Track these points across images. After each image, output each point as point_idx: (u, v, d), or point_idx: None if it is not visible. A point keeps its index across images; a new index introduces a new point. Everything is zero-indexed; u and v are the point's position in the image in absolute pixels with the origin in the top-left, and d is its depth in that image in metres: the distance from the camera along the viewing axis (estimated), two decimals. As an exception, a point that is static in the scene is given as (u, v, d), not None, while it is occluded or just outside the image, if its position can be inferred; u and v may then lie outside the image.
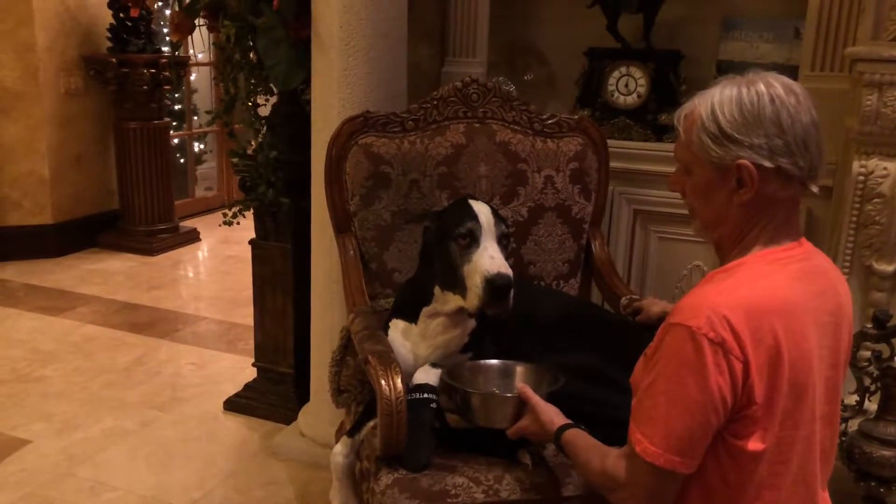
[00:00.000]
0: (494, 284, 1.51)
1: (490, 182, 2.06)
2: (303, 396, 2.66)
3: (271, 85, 2.57)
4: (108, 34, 4.70)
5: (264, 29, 2.32)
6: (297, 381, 2.76)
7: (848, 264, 2.07)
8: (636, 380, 1.25)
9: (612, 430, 1.32)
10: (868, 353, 1.90)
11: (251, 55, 2.54)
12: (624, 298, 1.99)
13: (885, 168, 1.99)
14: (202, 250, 5.12)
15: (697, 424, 1.15)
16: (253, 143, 2.74)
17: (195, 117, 6.03)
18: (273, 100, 2.70)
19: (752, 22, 2.49)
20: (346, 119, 2.02)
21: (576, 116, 2.19)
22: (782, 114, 1.17)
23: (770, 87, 1.18)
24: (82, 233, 4.83)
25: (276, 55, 2.32)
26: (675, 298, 2.33)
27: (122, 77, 4.66)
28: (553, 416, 1.42)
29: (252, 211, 2.76)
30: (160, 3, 5.23)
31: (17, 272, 4.38)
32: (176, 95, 5.65)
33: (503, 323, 1.67)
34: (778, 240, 1.23)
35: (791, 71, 2.27)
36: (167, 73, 4.80)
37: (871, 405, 1.93)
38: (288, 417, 2.71)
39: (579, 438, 1.35)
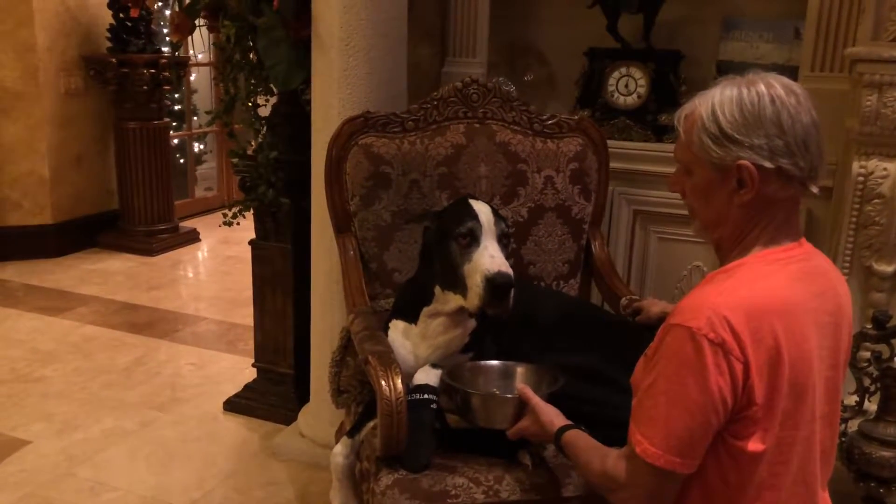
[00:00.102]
0: (495, 283, 1.51)
1: (490, 182, 2.06)
2: (303, 397, 2.66)
3: (271, 85, 2.57)
4: (108, 34, 4.70)
5: (264, 29, 2.32)
6: (296, 381, 2.76)
7: (848, 265, 2.07)
8: (636, 380, 1.25)
9: (612, 431, 1.32)
10: (868, 354, 1.90)
11: (251, 55, 2.54)
12: (624, 299, 1.99)
13: (884, 169, 1.99)
14: (202, 250, 5.12)
15: (698, 425, 1.15)
16: (253, 143, 2.74)
17: (195, 117, 6.03)
18: (273, 100, 2.70)
19: (752, 22, 2.49)
20: (347, 119, 2.02)
21: (576, 117, 2.19)
22: (783, 114, 1.17)
23: (770, 88, 1.18)
24: (82, 233, 4.83)
25: (276, 55, 2.32)
26: (674, 299, 2.33)
27: (122, 77, 4.66)
28: (553, 416, 1.42)
29: (252, 211, 2.76)
30: (160, 4, 5.24)
31: (16, 272, 4.38)
32: (176, 96, 5.65)
33: (503, 323, 1.67)
34: (778, 240, 1.23)
35: (791, 71, 2.27)
36: (167, 74, 4.80)
37: (871, 406, 1.93)
38: (288, 418, 2.71)
39: (579, 439, 1.35)
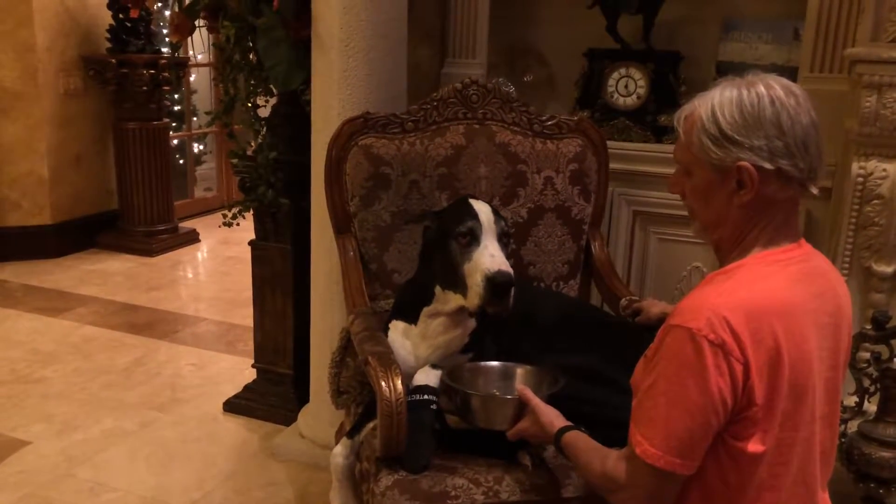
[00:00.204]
0: (495, 282, 1.51)
1: (490, 183, 2.06)
2: (302, 397, 2.66)
3: (271, 86, 2.57)
4: (108, 35, 4.70)
5: (264, 30, 2.32)
6: (296, 382, 2.76)
7: (847, 265, 2.07)
8: (636, 381, 1.25)
9: (612, 432, 1.33)
10: (867, 355, 1.90)
11: (251, 56, 2.54)
12: (624, 299, 1.99)
13: (884, 169, 2.00)
14: (201, 251, 5.12)
15: (698, 426, 1.15)
16: (253, 143, 2.74)
17: (194, 118, 6.03)
18: (273, 101, 2.70)
19: (752, 23, 2.49)
20: (346, 120, 2.02)
21: (575, 118, 2.19)
22: (782, 115, 1.17)
23: (770, 89, 1.19)
24: (81, 233, 4.83)
25: (275, 56, 2.32)
26: (674, 299, 2.34)
27: (121, 77, 4.66)
28: (553, 417, 1.42)
29: (252, 212, 2.76)
30: (160, 4, 5.24)
31: (16, 273, 4.38)
32: (175, 96, 5.64)
33: (503, 324, 1.67)
34: (777, 241, 1.24)
35: (790, 72, 2.27)
36: (167, 74, 4.80)
37: (871, 406, 1.93)
38: (287, 418, 2.71)
39: (579, 440, 1.35)
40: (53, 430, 2.70)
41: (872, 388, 1.91)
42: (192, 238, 5.19)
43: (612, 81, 2.57)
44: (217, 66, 3.44)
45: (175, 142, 5.62)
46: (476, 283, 1.53)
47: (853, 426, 1.93)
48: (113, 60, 4.61)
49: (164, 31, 5.14)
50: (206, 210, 5.90)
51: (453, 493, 1.50)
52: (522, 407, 1.48)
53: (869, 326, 1.90)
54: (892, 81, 1.92)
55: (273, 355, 2.84)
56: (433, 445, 1.57)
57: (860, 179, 2.01)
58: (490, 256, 1.55)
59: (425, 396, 1.58)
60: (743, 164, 1.18)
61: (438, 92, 2.09)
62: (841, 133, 2.13)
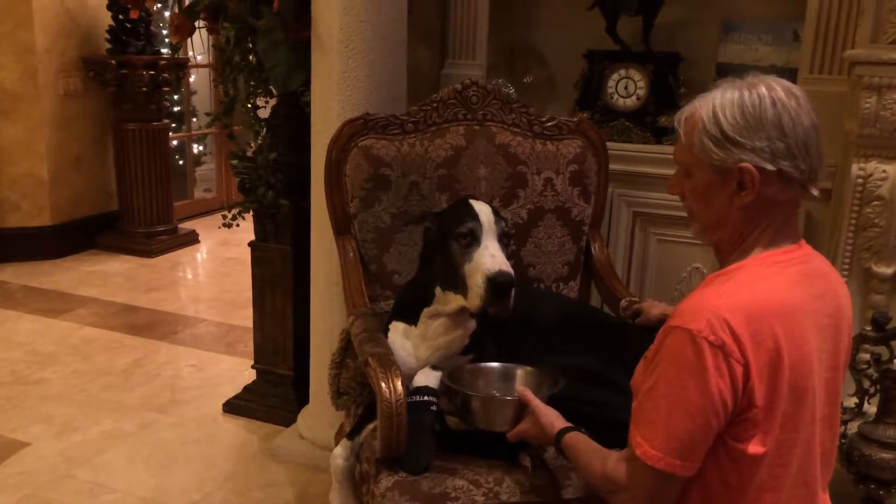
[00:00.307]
0: (496, 282, 1.51)
1: (490, 184, 2.06)
2: (302, 399, 2.65)
3: (271, 87, 2.57)
4: (108, 36, 4.70)
5: (264, 31, 2.32)
6: (296, 383, 2.76)
7: (847, 267, 2.07)
8: (636, 383, 1.25)
9: (613, 433, 1.33)
10: (867, 356, 1.91)
11: (251, 57, 2.55)
12: (623, 301, 1.99)
13: (884, 171, 2.00)
14: (201, 252, 5.12)
15: (698, 427, 1.15)
16: (252, 144, 2.74)
17: (194, 119, 6.03)
18: (272, 102, 2.70)
19: (752, 24, 2.49)
20: (346, 121, 2.02)
21: (575, 119, 2.19)
22: (784, 117, 1.17)
23: (771, 91, 1.19)
24: (81, 234, 4.83)
25: (275, 57, 2.32)
26: (674, 301, 2.34)
27: (121, 78, 4.66)
28: (553, 419, 1.42)
29: (251, 213, 2.76)
30: (159, 5, 5.23)
31: (15, 274, 4.38)
32: (175, 97, 5.65)
33: (503, 325, 1.67)
34: (777, 242, 1.24)
35: (790, 73, 2.27)
36: (166, 75, 4.80)
37: (871, 408, 1.93)
38: (287, 419, 2.71)
39: (579, 442, 1.35)
40: (53, 432, 2.70)
41: (872, 390, 1.92)
42: (192, 239, 5.19)
43: (611, 83, 2.57)
44: (217, 68, 3.45)
45: (175, 143, 5.62)
46: (477, 283, 1.53)
47: (853, 427, 1.93)
48: (113, 61, 4.62)
49: (164, 32, 5.15)
50: (205, 211, 5.90)
51: (453, 495, 1.50)
52: (522, 408, 1.48)
53: (869, 328, 1.90)
54: (891, 83, 1.92)
55: (273, 356, 2.84)
56: (433, 447, 1.57)
57: (860, 181, 2.02)
58: (491, 257, 1.55)
59: (425, 398, 1.58)
60: (744, 165, 1.18)
61: (438, 93, 2.09)
62: (841, 134, 2.13)
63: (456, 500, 1.49)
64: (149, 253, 4.84)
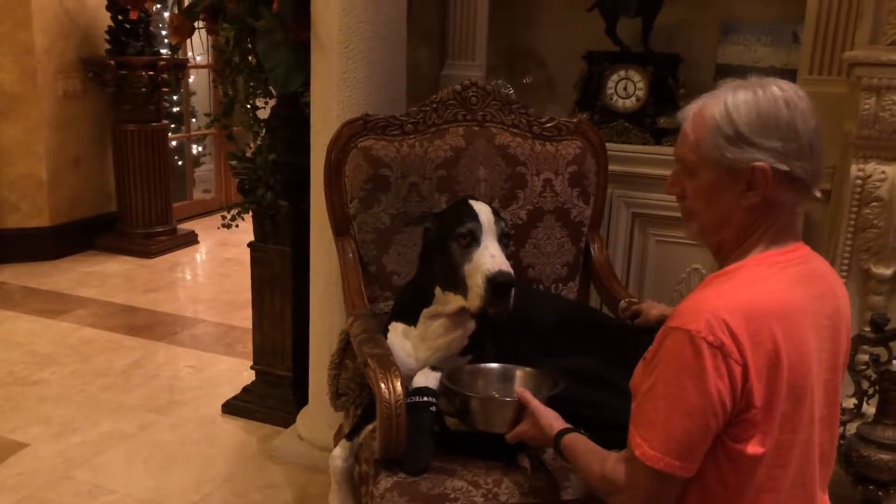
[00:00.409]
0: (496, 282, 1.52)
1: (489, 185, 2.06)
2: (301, 399, 2.65)
3: (270, 87, 2.57)
4: (107, 36, 4.70)
5: (263, 32, 2.32)
6: (295, 384, 2.76)
7: (846, 268, 2.07)
8: (635, 383, 1.25)
9: (612, 434, 1.32)
10: (866, 357, 1.91)
11: (250, 58, 2.55)
12: (623, 302, 1.99)
13: (882, 172, 2.00)
14: (200, 253, 5.12)
15: (697, 428, 1.15)
16: (252, 145, 2.74)
17: (193, 119, 6.03)
18: (272, 102, 2.70)
19: (751, 26, 2.50)
20: (346, 122, 2.02)
21: (574, 120, 2.19)
22: (797, 118, 1.17)
23: (783, 91, 1.19)
24: (80, 235, 4.83)
25: (275, 58, 2.32)
26: (673, 301, 2.34)
27: (120, 79, 4.66)
28: (552, 420, 1.42)
29: (251, 213, 2.76)
30: (159, 6, 5.24)
31: (14, 275, 4.37)
32: (174, 98, 5.65)
33: (502, 326, 1.67)
34: (777, 243, 1.23)
35: (789, 74, 2.28)
36: (165, 76, 4.80)
37: (869, 409, 1.93)
38: (286, 420, 2.71)
39: (578, 443, 1.35)
40: (52, 433, 2.69)
41: (871, 391, 1.92)
42: (191, 240, 5.19)
43: (611, 84, 2.57)
44: (216, 68, 3.45)
45: (174, 143, 5.62)
46: (477, 283, 1.53)
47: (852, 428, 1.93)
48: (112, 62, 4.61)
49: (164, 33, 5.15)
50: (204, 212, 5.90)
51: (452, 496, 1.50)
52: (522, 409, 1.48)
53: (868, 329, 1.90)
54: (890, 84, 1.93)
55: (272, 357, 2.84)
56: (432, 447, 1.57)
57: (859, 182, 2.02)
58: (490, 257, 1.55)
59: (425, 398, 1.58)
60: (759, 164, 1.17)
61: (438, 94, 2.09)
62: (840, 135, 2.13)
63: (455, 501, 1.49)
64: (148, 254, 4.83)
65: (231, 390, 2.96)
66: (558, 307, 1.93)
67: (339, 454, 1.73)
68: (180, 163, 5.86)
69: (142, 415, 2.85)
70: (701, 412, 1.14)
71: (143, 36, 4.74)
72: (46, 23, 4.48)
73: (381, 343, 1.71)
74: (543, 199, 2.09)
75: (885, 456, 1.83)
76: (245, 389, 2.91)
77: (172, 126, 5.50)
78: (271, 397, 2.83)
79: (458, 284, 1.58)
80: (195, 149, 6.16)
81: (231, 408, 2.87)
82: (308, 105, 2.35)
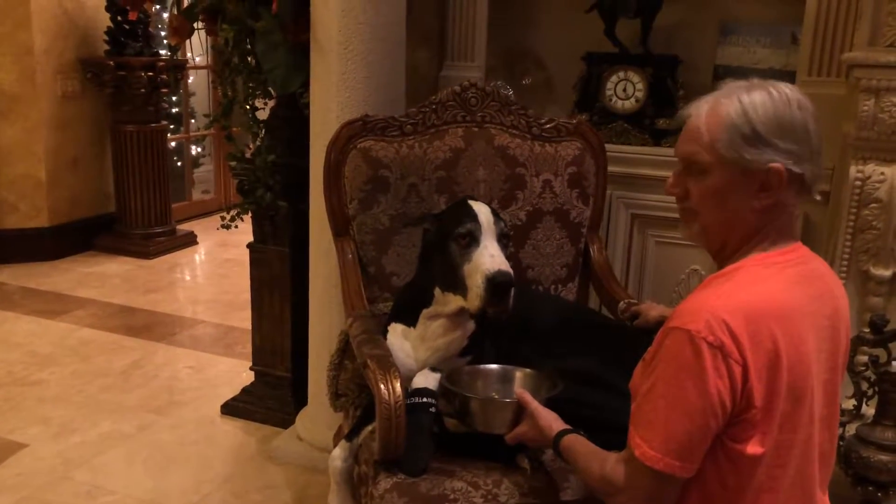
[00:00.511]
0: (495, 282, 1.52)
1: (488, 186, 2.06)
2: (301, 400, 2.65)
3: (270, 88, 2.57)
4: (106, 37, 4.69)
5: (263, 33, 2.32)
6: (294, 384, 2.76)
7: (845, 269, 2.07)
8: (635, 384, 1.25)
9: (611, 435, 1.32)
10: (865, 358, 1.91)
11: (249, 59, 2.54)
12: (622, 303, 1.99)
13: (881, 173, 2.00)
14: (199, 253, 5.11)
15: (697, 428, 1.15)
16: (251, 146, 2.74)
17: (192, 120, 6.03)
18: (271, 103, 2.70)
19: (750, 27, 2.50)
20: (345, 123, 2.02)
21: (574, 121, 2.20)
22: (809, 120, 1.18)
23: (794, 93, 1.19)
24: (79, 236, 4.82)
25: (274, 59, 2.32)
26: (672, 302, 2.34)
27: (119, 80, 4.66)
28: (552, 421, 1.42)
29: (250, 214, 2.76)
30: (158, 7, 5.24)
31: (13, 275, 4.37)
32: (173, 98, 5.65)
33: (502, 327, 1.67)
34: (777, 244, 1.24)
35: (788, 76, 2.28)
36: (165, 77, 4.80)
37: (869, 410, 1.93)
38: (286, 421, 2.71)
39: (578, 444, 1.35)
40: (51, 433, 2.69)
41: (870, 392, 1.92)
42: (190, 240, 5.19)
43: (610, 85, 2.57)
44: (215, 69, 3.45)
45: (173, 144, 5.62)
46: (476, 283, 1.54)
47: (851, 429, 1.93)
48: (111, 63, 4.61)
49: (163, 34, 5.14)
50: (203, 212, 5.89)
51: (452, 496, 1.50)
52: (521, 410, 1.48)
53: (867, 330, 1.90)
54: (889, 85, 1.93)
55: (271, 358, 2.84)
56: (432, 448, 1.57)
57: (858, 183, 2.02)
58: (490, 257, 1.55)
59: (424, 399, 1.58)
60: (776, 166, 1.17)
61: (437, 95, 2.09)
62: (839, 137, 2.13)
63: (454, 502, 1.50)
64: (147, 254, 4.83)
65: (230, 391, 2.96)
66: (558, 308, 1.93)
67: (338, 455, 1.73)
68: (179, 164, 5.86)
69: (141, 415, 2.85)
70: (701, 412, 1.14)
71: (142, 37, 4.74)
72: (45, 23, 4.48)
73: (381, 344, 1.71)
74: (543, 200, 2.09)
75: (884, 457, 1.83)
76: (244, 390, 2.91)
77: (171, 127, 5.50)
78: (270, 398, 2.83)
79: (457, 285, 1.59)
80: (194, 149, 6.15)
81: (230, 408, 2.87)
82: (307, 106, 2.35)
